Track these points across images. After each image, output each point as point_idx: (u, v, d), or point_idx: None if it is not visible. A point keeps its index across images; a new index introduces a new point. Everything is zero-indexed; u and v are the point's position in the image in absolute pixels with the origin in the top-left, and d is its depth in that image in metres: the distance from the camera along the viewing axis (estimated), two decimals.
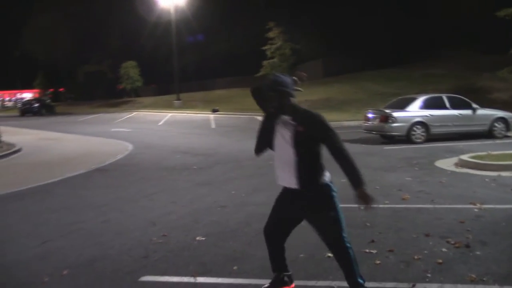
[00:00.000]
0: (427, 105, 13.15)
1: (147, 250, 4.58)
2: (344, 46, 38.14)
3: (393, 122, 12.74)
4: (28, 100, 46.36)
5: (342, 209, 3.14)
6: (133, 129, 21.30)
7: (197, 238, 4.89)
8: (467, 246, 4.33)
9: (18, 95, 64.78)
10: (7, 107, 61.65)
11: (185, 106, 36.69)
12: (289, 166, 3.05)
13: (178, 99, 38.26)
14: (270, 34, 36.37)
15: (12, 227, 5.67)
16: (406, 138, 12.75)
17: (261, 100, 3.10)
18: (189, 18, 42.08)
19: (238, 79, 46.86)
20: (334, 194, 3.12)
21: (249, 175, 8.53)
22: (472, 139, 12.81)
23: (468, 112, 13.28)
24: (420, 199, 6.31)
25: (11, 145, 14.20)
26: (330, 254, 4.09)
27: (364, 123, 14.08)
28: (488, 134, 13.38)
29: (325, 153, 3.08)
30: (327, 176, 3.12)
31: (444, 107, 13.20)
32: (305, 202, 3.09)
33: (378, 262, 4.01)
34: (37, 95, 57.93)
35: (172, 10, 37.56)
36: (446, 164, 9.13)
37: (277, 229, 3.33)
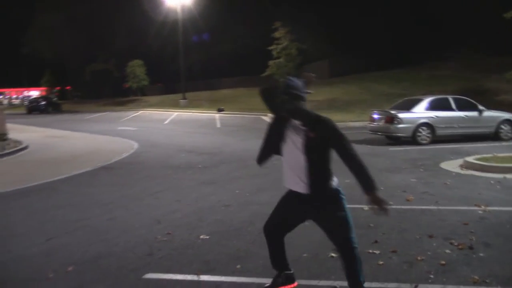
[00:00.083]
0: (433, 107, 13.10)
1: (152, 248, 4.61)
2: (351, 46, 38.05)
3: (399, 123, 12.71)
4: (35, 98, 46.70)
5: None
6: (139, 127, 21.38)
7: (201, 237, 4.92)
8: (471, 247, 4.33)
9: (25, 93, 65.19)
10: (14, 104, 62.06)
11: (191, 105, 36.78)
12: (299, 172, 3.05)
13: (184, 98, 38.37)
14: (276, 34, 36.32)
15: (18, 224, 5.72)
16: (412, 139, 12.72)
17: (270, 101, 3.09)
18: (196, 18, 42.19)
19: (244, 79, 46.90)
20: (343, 197, 3.15)
21: (253, 175, 8.55)
22: (478, 141, 12.76)
23: (474, 114, 13.22)
24: (425, 200, 6.30)
25: (18, 142, 14.31)
26: (333, 254, 4.13)
27: (370, 124, 14.05)
28: (494, 136, 13.31)
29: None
30: (335, 181, 3.14)
31: (450, 109, 13.15)
32: (315, 206, 3.11)
33: (381, 262, 4.02)
34: (43, 93, 58.27)
35: (179, 9, 37.67)
36: (451, 166, 9.11)
37: (277, 229, 3.35)
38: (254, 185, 7.59)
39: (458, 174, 8.30)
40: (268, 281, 3.52)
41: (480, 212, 5.60)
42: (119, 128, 21.22)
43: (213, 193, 7.17)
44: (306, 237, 4.45)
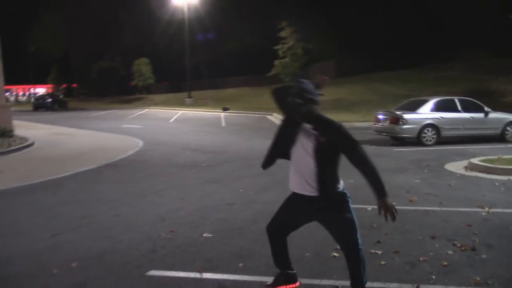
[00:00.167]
0: (438, 108, 13.06)
1: (155, 245, 4.65)
2: (357, 46, 37.99)
3: (404, 124, 12.69)
4: (41, 95, 46.90)
5: None
6: (144, 125, 21.46)
7: (204, 235, 4.95)
8: (473, 249, 4.33)
9: (32, 90, 65.54)
10: (21, 101, 62.39)
11: (196, 104, 36.87)
12: (308, 175, 3.06)
13: (190, 97, 38.47)
14: (282, 34, 36.31)
15: (24, 220, 5.78)
16: (417, 140, 12.70)
17: (282, 102, 3.09)
18: (202, 16, 42.27)
19: (250, 78, 46.97)
20: (349, 199, 3.17)
21: (257, 174, 8.56)
22: (484, 143, 12.72)
23: (480, 115, 13.17)
24: (428, 201, 6.31)
25: (24, 139, 14.40)
26: (335, 254, 4.14)
27: (375, 124, 14.03)
28: (500, 138, 13.26)
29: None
30: (341, 183, 3.16)
31: (456, 110, 13.10)
32: (321, 208, 3.12)
33: (383, 262, 4.03)
34: (50, 90, 58.56)
35: (185, 8, 37.75)
36: (456, 167, 9.09)
37: (280, 229, 3.37)
38: (258, 184, 7.62)
39: (462, 175, 8.28)
40: (270, 279, 3.55)
41: (483, 213, 5.59)
42: (125, 126, 21.31)
43: (217, 192, 7.20)
44: (308, 236, 4.46)
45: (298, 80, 3.08)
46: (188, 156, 11.28)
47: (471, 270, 3.85)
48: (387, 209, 2.98)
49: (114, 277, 3.89)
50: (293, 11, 38.15)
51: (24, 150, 12.74)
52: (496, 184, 7.40)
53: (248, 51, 45.43)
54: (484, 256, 4.17)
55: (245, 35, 45.17)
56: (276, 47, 36.80)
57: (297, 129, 3.08)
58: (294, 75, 35.44)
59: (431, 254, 4.23)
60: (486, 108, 13.34)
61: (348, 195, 3.17)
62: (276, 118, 23.75)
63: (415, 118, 12.75)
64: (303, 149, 3.05)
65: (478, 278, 3.65)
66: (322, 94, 3.14)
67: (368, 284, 3.20)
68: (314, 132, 3.02)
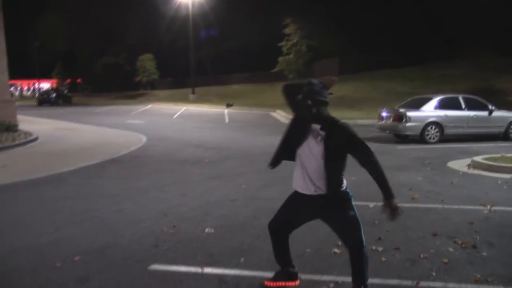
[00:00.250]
0: (442, 106, 13.03)
1: (158, 240, 4.68)
2: (361, 44, 37.87)
3: (407, 121, 12.67)
4: (45, 90, 47.12)
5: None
6: (148, 121, 21.51)
7: (206, 230, 4.97)
8: (474, 246, 4.34)
9: (36, 85, 65.74)
10: (25, 96, 62.62)
11: (200, 100, 36.91)
12: (313, 175, 3.08)
13: (193, 93, 38.51)
14: (287, 30, 36.28)
15: (28, 214, 5.82)
16: (420, 138, 12.68)
17: (291, 99, 3.11)
18: (207, 12, 42.26)
19: (253, 75, 46.95)
20: (352, 198, 3.19)
21: (260, 170, 8.59)
22: (487, 141, 12.69)
23: (484, 113, 13.13)
24: (430, 199, 6.31)
25: (28, 133, 14.47)
26: (336, 250, 4.17)
27: (378, 122, 14.02)
28: (504, 136, 13.23)
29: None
30: (344, 182, 3.18)
31: (460, 108, 13.06)
32: (324, 207, 3.14)
33: (383, 259, 4.05)
34: (54, 85, 58.74)
35: (190, 4, 37.74)
36: (459, 165, 9.08)
37: (282, 227, 3.39)
38: (261, 181, 7.64)
39: (465, 173, 8.27)
40: (271, 275, 3.57)
41: (485, 212, 5.59)
42: (128, 121, 21.37)
43: (219, 188, 7.22)
44: (310, 233, 4.48)
45: (308, 81, 3.10)
46: (191, 152, 11.31)
47: (471, 267, 3.86)
48: (391, 210, 3.01)
49: (116, 271, 3.92)
50: (297, 8, 38.09)
51: (28, 145, 12.81)
52: (499, 182, 7.39)
53: (252, 48, 45.38)
54: (484, 254, 4.17)
55: (250, 31, 45.11)
56: (280, 44, 36.77)
57: (305, 129, 3.09)
58: (298, 72, 35.43)
59: (431, 251, 4.24)
60: (490, 106, 13.29)
61: (350, 193, 3.19)
62: (280, 115, 23.75)
63: (418, 116, 12.73)
64: (310, 149, 3.07)
65: (478, 276, 3.66)
66: (331, 94, 3.16)
67: (369, 280, 3.22)
68: (322, 132, 3.04)
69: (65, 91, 48.44)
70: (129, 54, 55.00)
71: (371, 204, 5.63)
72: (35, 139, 13.71)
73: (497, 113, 13.28)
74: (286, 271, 3.50)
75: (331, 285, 3.54)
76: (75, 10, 53.67)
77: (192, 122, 21.49)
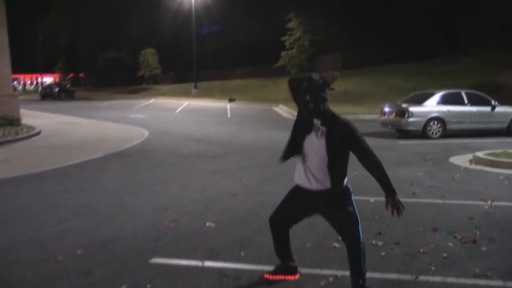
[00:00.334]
0: (444, 101, 12.99)
1: (159, 233, 4.71)
2: (364, 39, 37.75)
3: (410, 116, 12.65)
4: (48, 84, 47.18)
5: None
6: (150, 116, 21.55)
7: (207, 224, 5.00)
8: (474, 241, 4.35)
9: (39, 79, 65.86)
10: (28, 90, 62.73)
11: (202, 94, 36.93)
12: (315, 170, 3.09)
13: (196, 88, 38.52)
14: (290, 25, 36.18)
15: (31, 207, 5.86)
16: (422, 133, 12.67)
17: (295, 93, 3.13)
18: (210, 7, 42.18)
19: (256, 70, 46.87)
20: (352, 193, 3.21)
21: (261, 165, 8.61)
22: (490, 137, 12.66)
23: (486, 109, 13.09)
24: (431, 194, 6.32)
25: (31, 127, 14.53)
26: (336, 245, 4.19)
27: (381, 117, 14.00)
28: (506, 132, 13.20)
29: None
30: (345, 179, 3.20)
31: (462, 103, 13.02)
32: (325, 202, 3.15)
33: (383, 254, 4.07)
34: (57, 80, 58.83)
35: None
36: (461, 160, 9.07)
37: (283, 221, 3.41)
38: (262, 175, 7.66)
39: (466, 168, 8.27)
40: (271, 268, 3.59)
41: (486, 207, 5.60)
42: (131, 116, 21.41)
43: (220, 182, 7.25)
44: (310, 227, 4.50)
45: (308, 76, 3.10)
46: (193, 147, 11.34)
47: (470, 262, 3.88)
48: (393, 206, 3.03)
49: (118, 264, 3.96)
50: (300, 2, 37.97)
51: (31, 139, 12.86)
52: (500, 177, 7.39)
53: (255, 42, 45.34)
54: (484, 248, 4.19)
55: (252, 26, 45.04)
56: (283, 39, 36.68)
57: (306, 124, 3.11)
58: (301, 67, 35.33)
59: (431, 246, 4.26)
60: (493, 102, 13.24)
61: (350, 189, 3.21)
62: (282, 110, 23.75)
63: (421, 111, 12.71)
64: (311, 143, 3.08)
65: (477, 270, 3.68)
66: (333, 89, 3.16)
67: (367, 274, 3.23)
68: (322, 127, 3.05)
69: (68, 86, 48.52)
70: (131, 48, 55.03)
71: (372, 199, 5.65)
72: (38, 133, 13.77)
73: (499, 109, 13.24)
74: (286, 265, 3.52)
75: (331, 279, 3.56)
76: (78, 4, 53.65)
77: (194, 116, 21.51)
